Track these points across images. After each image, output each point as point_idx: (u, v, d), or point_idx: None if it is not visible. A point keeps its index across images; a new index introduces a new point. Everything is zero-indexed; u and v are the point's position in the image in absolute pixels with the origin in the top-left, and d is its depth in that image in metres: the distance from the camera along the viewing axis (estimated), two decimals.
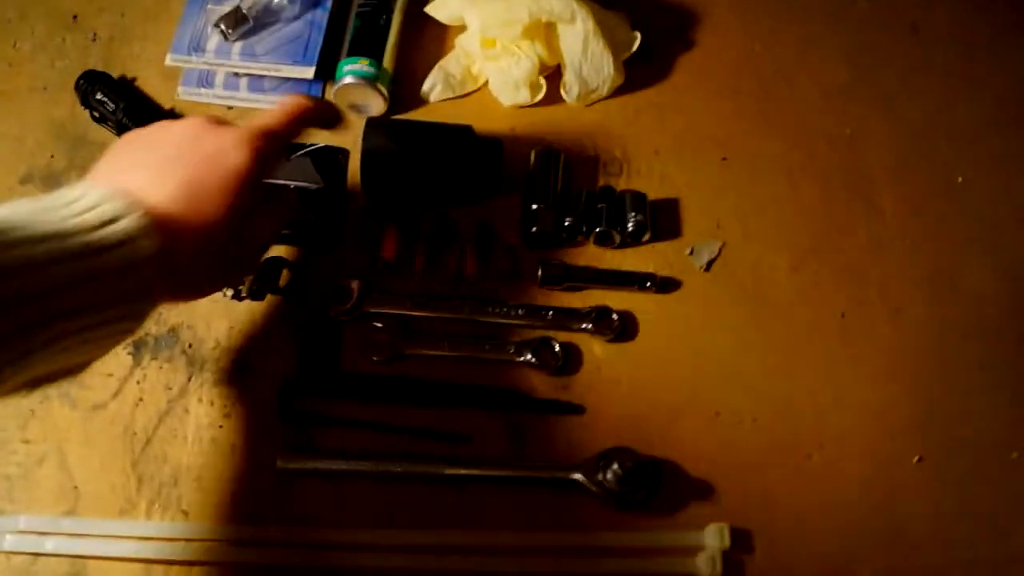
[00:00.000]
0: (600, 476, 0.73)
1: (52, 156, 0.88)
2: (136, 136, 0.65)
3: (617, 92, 0.92)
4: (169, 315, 0.81)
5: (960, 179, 0.91)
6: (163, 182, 0.59)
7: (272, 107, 0.68)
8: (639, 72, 0.93)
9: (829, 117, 0.93)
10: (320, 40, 0.90)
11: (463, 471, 0.74)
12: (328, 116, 0.71)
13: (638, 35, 0.92)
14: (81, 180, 0.61)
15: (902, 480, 0.77)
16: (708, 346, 0.82)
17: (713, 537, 0.72)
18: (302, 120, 0.68)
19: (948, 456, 0.78)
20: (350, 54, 0.88)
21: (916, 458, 0.78)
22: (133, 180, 0.59)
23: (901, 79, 0.96)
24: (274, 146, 0.65)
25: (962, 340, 0.83)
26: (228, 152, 0.61)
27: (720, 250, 0.86)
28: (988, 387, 0.82)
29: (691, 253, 0.85)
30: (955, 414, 0.80)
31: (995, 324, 0.84)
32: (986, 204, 0.90)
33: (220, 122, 0.65)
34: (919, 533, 0.75)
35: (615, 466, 0.72)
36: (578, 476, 0.73)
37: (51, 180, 0.87)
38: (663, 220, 0.86)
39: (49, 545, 0.72)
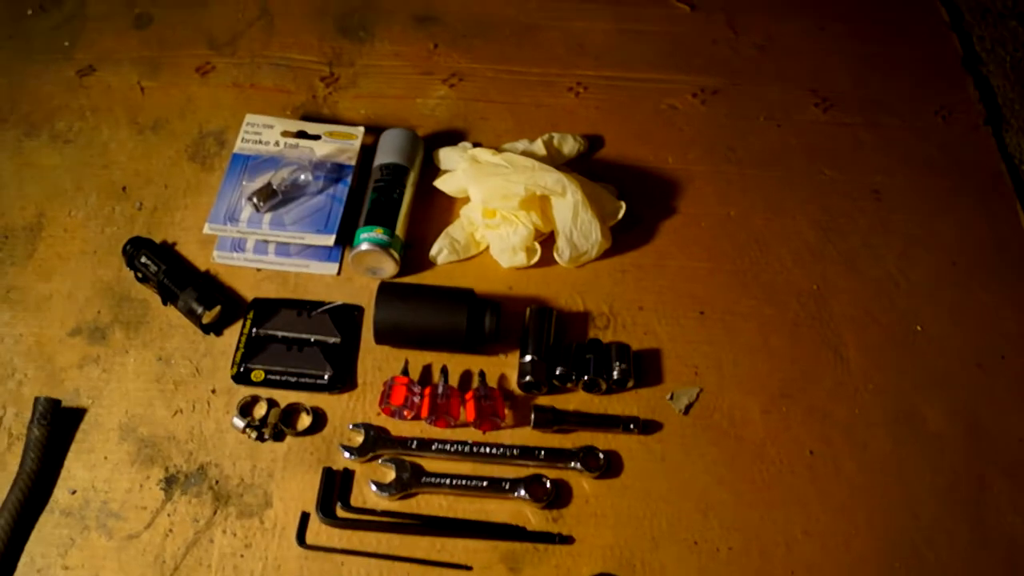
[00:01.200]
0: None
1: (99, 312, 1.06)
2: None
3: (605, 255, 1.11)
4: (198, 454, 0.96)
5: (919, 328, 1.08)
6: None
7: None
8: (625, 237, 1.12)
9: (797, 275, 1.11)
10: (340, 212, 1.09)
11: None
12: None
13: (623, 205, 1.11)
14: None
15: None
16: (687, 481, 0.96)
17: None
18: None
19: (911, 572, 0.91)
20: (367, 223, 1.07)
21: None
22: None
23: (863, 239, 1.15)
24: None
25: (923, 476, 0.98)
26: None
27: (698, 395, 1.01)
28: (948, 518, 0.95)
29: (671, 398, 1.01)
30: (918, 544, 0.93)
31: (953, 462, 0.99)
32: (943, 351, 1.06)
33: None
34: None
35: None
36: None
37: (97, 333, 1.04)
38: (646, 368, 1.03)
39: None
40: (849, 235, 1.15)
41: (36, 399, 0.97)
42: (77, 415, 0.99)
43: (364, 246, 1.05)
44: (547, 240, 1.11)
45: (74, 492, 0.95)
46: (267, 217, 1.08)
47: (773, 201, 1.17)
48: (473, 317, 1.00)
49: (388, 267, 1.07)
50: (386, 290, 1.02)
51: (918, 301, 1.10)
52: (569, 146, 1.17)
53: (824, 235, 1.15)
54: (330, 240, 1.07)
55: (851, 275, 1.12)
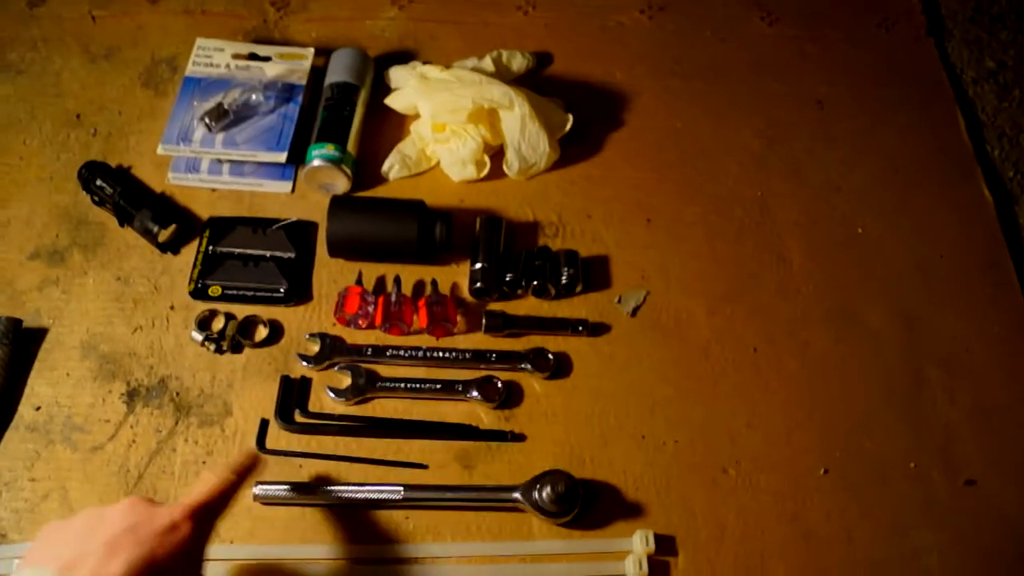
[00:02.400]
0: (536, 497, 0.87)
1: (57, 235, 1.05)
2: (64, 525, 0.68)
3: (554, 167, 1.10)
4: (158, 367, 0.96)
5: (860, 230, 1.08)
6: (109, 563, 0.63)
7: (204, 482, 0.75)
8: (573, 149, 1.12)
9: (742, 183, 1.11)
10: (292, 130, 1.08)
11: (418, 495, 0.88)
12: (255, 471, 0.79)
13: (570, 117, 1.10)
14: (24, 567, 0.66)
15: (810, 490, 0.92)
16: (634, 380, 0.97)
17: (639, 542, 0.86)
18: (230, 492, 0.75)
19: (851, 468, 0.93)
20: (318, 140, 1.06)
21: (822, 470, 0.93)
22: (78, 565, 0.63)
23: (807, 148, 1.15)
24: (211, 517, 0.73)
25: (862, 371, 0.99)
26: (179, 527, 0.68)
27: (645, 298, 1.02)
28: (886, 410, 0.97)
29: (619, 301, 1.02)
30: (857, 432, 0.95)
31: (891, 356, 1.00)
32: (883, 252, 1.07)
33: (152, 502, 0.70)
34: (827, 535, 0.89)
35: (548, 489, 0.86)
36: (517, 496, 0.87)
37: (55, 256, 1.03)
38: (594, 274, 1.03)
39: None
40: (793, 144, 1.15)
41: None
42: (39, 335, 0.99)
43: (316, 162, 1.04)
44: (496, 154, 1.10)
45: (38, 408, 0.94)
46: (220, 137, 1.07)
47: (719, 113, 1.17)
48: (424, 227, 0.99)
49: (340, 183, 1.06)
50: (338, 203, 1.01)
51: (859, 206, 1.10)
52: (518, 63, 1.16)
53: (768, 145, 1.15)
54: (282, 157, 1.06)
55: (795, 182, 1.12)
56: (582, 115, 1.12)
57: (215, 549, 0.86)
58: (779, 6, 1.27)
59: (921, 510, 0.91)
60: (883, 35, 1.26)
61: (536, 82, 1.17)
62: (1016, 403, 0.98)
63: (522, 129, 1.06)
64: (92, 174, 1.06)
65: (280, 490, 0.88)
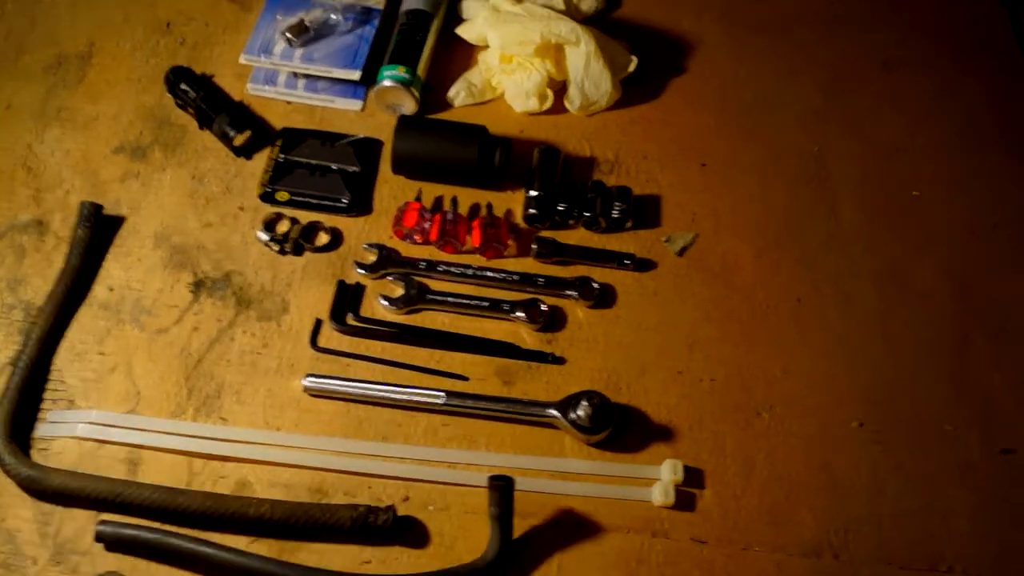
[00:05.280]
0: (572, 413, 0.84)
1: (140, 133, 1.04)
2: None
3: (614, 106, 1.06)
4: (225, 262, 0.95)
5: (916, 193, 1.02)
6: None
7: None
8: (635, 91, 1.08)
9: (801, 136, 1.06)
10: (367, 50, 1.05)
11: (458, 402, 0.86)
12: None
13: (635, 59, 1.06)
14: None
15: (842, 440, 0.88)
16: (676, 317, 0.93)
17: (668, 470, 0.83)
18: None
19: (886, 423, 0.89)
20: (390, 62, 1.03)
21: (856, 423, 0.88)
22: None
23: (869, 108, 1.09)
24: None
25: (905, 330, 0.94)
26: None
27: (693, 240, 0.98)
28: (928, 371, 0.92)
29: (667, 241, 0.98)
30: (896, 390, 0.90)
31: (938, 318, 0.95)
32: (938, 215, 1.02)
33: None
34: (854, 484, 0.85)
35: (585, 404, 0.83)
36: (553, 412, 0.85)
37: (138, 151, 1.03)
38: (645, 212, 0.99)
39: (113, 435, 0.85)
40: (855, 103, 1.10)
41: (82, 203, 0.96)
42: (117, 222, 0.99)
43: (387, 82, 1.02)
44: (559, 90, 1.06)
45: (111, 289, 0.94)
46: (298, 52, 1.05)
47: (783, 66, 1.12)
48: (484, 151, 0.97)
49: (408, 104, 1.04)
50: (405, 122, 0.99)
51: (918, 168, 1.05)
52: (587, 3, 1.12)
53: (830, 101, 1.09)
54: (356, 75, 1.04)
55: (854, 140, 1.06)
56: (646, 58, 1.08)
57: (261, 434, 0.85)
58: None
59: (954, 472, 0.86)
60: (956, 2, 1.18)
61: (604, 23, 1.13)
62: None
63: (586, 66, 1.03)
64: (177, 78, 1.05)
65: (328, 383, 0.87)
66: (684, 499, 0.83)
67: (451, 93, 1.06)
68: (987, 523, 0.84)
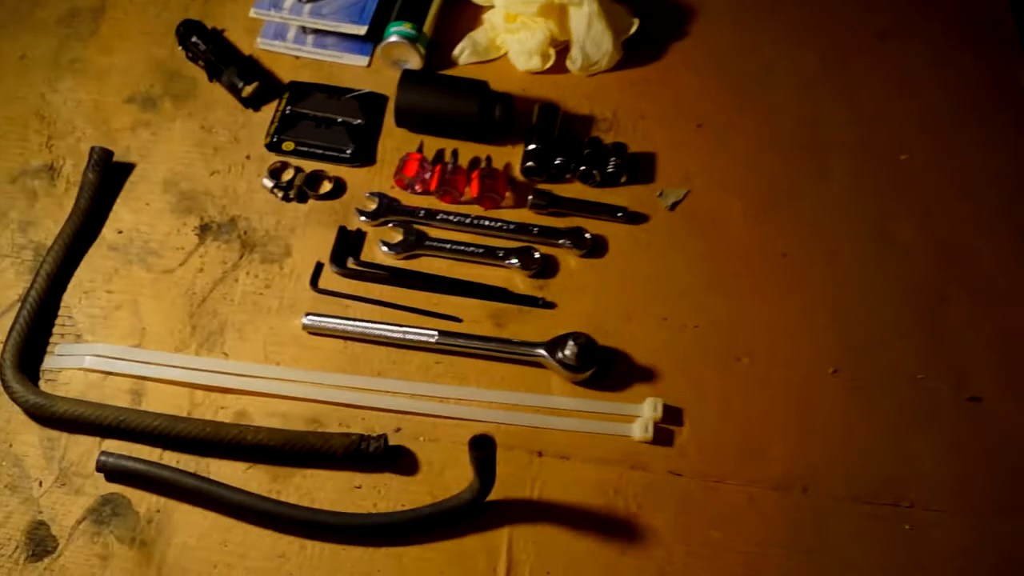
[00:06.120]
0: (559, 353, 0.91)
1: (152, 84, 1.12)
2: None
3: (615, 67, 1.13)
4: (231, 208, 1.03)
5: (904, 157, 1.09)
6: None
7: None
8: (636, 53, 1.14)
9: (796, 100, 1.12)
10: (374, 6, 1.12)
11: (450, 340, 0.93)
12: None
13: (636, 21, 1.12)
14: None
15: (816, 385, 0.94)
16: (664, 268, 1.00)
17: (648, 407, 0.90)
18: None
19: (860, 371, 0.95)
20: (397, 18, 1.10)
21: (832, 370, 0.95)
22: None
23: (865, 75, 1.15)
24: None
25: (886, 285, 1.00)
26: None
27: (685, 195, 1.04)
28: (905, 324, 0.98)
29: (660, 195, 1.04)
30: (872, 340, 0.96)
31: (918, 276, 1.01)
32: (926, 179, 1.07)
33: None
34: (828, 428, 0.92)
35: (571, 343, 0.90)
36: (541, 351, 0.92)
37: (148, 102, 1.10)
38: (640, 168, 1.06)
39: (118, 367, 0.93)
40: (852, 70, 1.15)
41: (92, 148, 1.03)
42: (127, 169, 1.06)
43: (393, 38, 1.09)
44: (562, 50, 1.13)
45: (120, 232, 1.02)
46: (307, 7, 1.12)
47: (782, 33, 1.18)
48: (485, 105, 1.03)
49: (414, 61, 1.11)
50: (409, 76, 1.06)
51: (909, 135, 1.10)
52: None
53: (827, 67, 1.15)
54: (362, 30, 1.10)
55: (848, 106, 1.12)
56: (648, 21, 1.14)
57: (261, 368, 0.93)
58: None
59: (922, 418, 0.92)
60: None
61: None
62: None
63: (588, 27, 1.09)
64: (188, 31, 1.12)
65: (327, 322, 0.94)
66: (663, 435, 0.90)
67: (456, 51, 1.13)
68: (950, 465, 0.90)
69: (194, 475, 0.86)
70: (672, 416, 0.91)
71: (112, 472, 0.86)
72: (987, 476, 0.90)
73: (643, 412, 0.90)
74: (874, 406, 0.93)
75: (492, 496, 0.84)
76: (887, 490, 0.89)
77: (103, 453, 0.87)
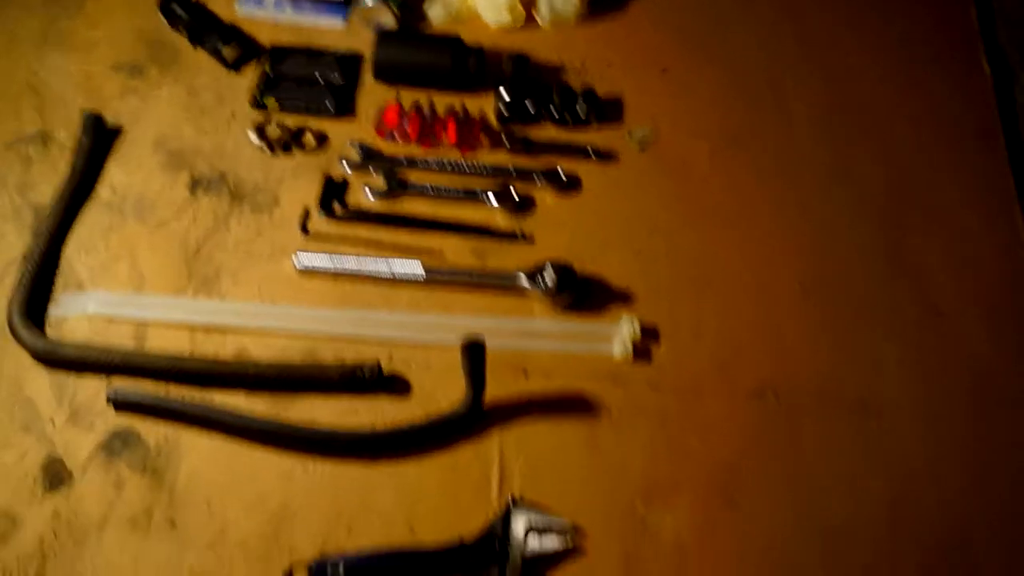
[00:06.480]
0: (540, 279, 0.98)
1: (137, 54, 1.18)
2: None
3: (583, 21, 1.20)
4: (219, 163, 1.09)
5: (860, 93, 1.16)
6: None
7: None
8: (601, 7, 1.21)
9: (757, 49, 1.20)
10: None
11: (436, 274, 1.00)
12: None
13: None
14: None
15: (785, 302, 1.01)
16: (636, 203, 1.07)
17: (626, 327, 0.96)
18: None
19: (826, 289, 1.02)
20: None
21: (798, 286, 1.02)
22: None
23: (819, 17, 1.23)
24: None
25: (848, 209, 1.07)
26: None
27: (653, 135, 1.12)
28: (867, 245, 1.05)
29: (629, 134, 1.11)
30: (837, 261, 1.04)
31: (878, 201, 1.08)
32: (882, 112, 1.15)
33: None
34: (797, 341, 0.98)
35: (551, 269, 0.97)
36: (523, 279, 0.99)
37: (135, 70, 1.16)
38: (609, 112, 1.13)
39: (120, 312, 0.98)
40: (808, 20, 1.23)
41: (84, 114, 1.09)
42: (117, 133, 1.12)
43: (368, 1, 1.15)
44: (529, 4, 1.20)
45: (114, 191, 1.07)
46: None
47: None
48: (458, 56, 1.10)
49: (388, 21, 1.17)
50: (385, 33, 1.13)
51: (865, 74, 1.18)
52: None
53: (786, 17, 1.23)
54: None
55: (804, 49, 1.20)
56: None
57: (257, 307, 0.99)
58: None
59: (886, 330, 0.99)
60: None
61: None
62: (988, 251, 1.05)
63: None
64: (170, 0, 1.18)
65: (318, 261, 1.00)
66: (641, 353, 0.96)
67: (429, 12, 1.19)
68: (912, 372, 0.97)
69: (199, 404, 0.92)
70: (649, 335, 0.98)
71: (121, 403, 0.92)
72: (948, 380, 0.97)
73: (621, 332, 0.97)
74: (839, 319, 1.00)
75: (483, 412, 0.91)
76: (855, 395, 0.95)
77: (111, 387, 0.92)
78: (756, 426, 0.94)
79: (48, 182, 1.08)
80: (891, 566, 0.87)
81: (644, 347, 0.97)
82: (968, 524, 0.89)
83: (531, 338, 0.97)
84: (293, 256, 1.01)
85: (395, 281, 1.00)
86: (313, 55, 1.16)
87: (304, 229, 1.03)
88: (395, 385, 0.94)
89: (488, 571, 0.85)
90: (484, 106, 1.13)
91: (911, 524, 0.89)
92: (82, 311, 0.99)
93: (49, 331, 0.98)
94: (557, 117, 1.10)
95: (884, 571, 0.87)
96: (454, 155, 1.09)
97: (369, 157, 1.08)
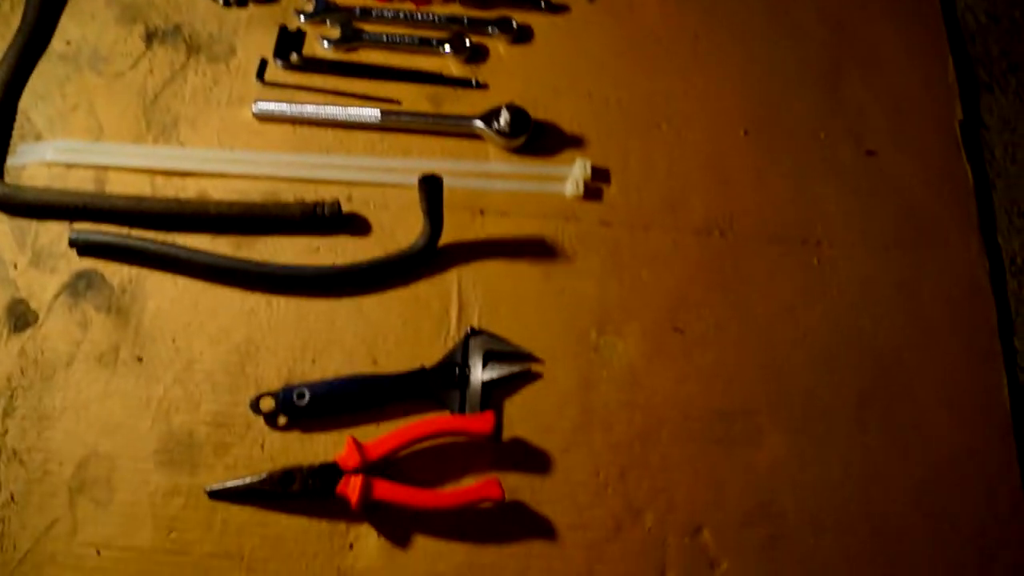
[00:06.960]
0: (494, 121, 1.02)
1: None
2: None
3: None
4: (173, 15, 1.10)
5: None
6: None
7: None
8: None
9: None
10: None
11: (393, 119, 1.03)
12: None
13: None
14: None
15: (730, 144, 1.06)
16: (587, 51, 1.10)
17: (578, 167, 1.01)
18: None
19: (768, 132, 1.07)
20: None
21: (743, 131, 1.07)
22: None
23: None
24: None
25: (789, 56, 1.11)
26: None
27: None
28: (806, 91, 1.09)
29: None
30: (779, 106, 1.08)
31: (815, 49, 1.12)
32: None
33: None
34: (741, 181, 1.03)
35: (505, 112, 1.01)
36: (478, 122, 1.02)
37: None
38: None
39: (80, 159, 1.01)
40: None
41: None
42: None
43: None
44: None
45: (68, 43, 1.08)
46: None
47: None
48: None
49: None
50: None
51: None
52: None
53: None
54: None
55: None
56: None
57: (216, 152, 1.02)
58: None
59: (825, 170, 1.05)
60: None
61: None
62: (920, 91, 1.10)
63: None
64: None
65: (276, 107, 1.03)
66: (593, 193, 1.01)
67: None
68: (850, 208, 1.03)
69: (163, 244, 0.95)
70: (600, 176, 1.02)
71: (84, 246, 0.95)
72: (883, 216, 1.03)
73: (574, 172, 1.01)
74: (781, 161, 1.05)
75: (441, 245, 0.95)
76: (796, 230, 1.01)
77: (73, 229, 0.95)
78: (702, 260, 1.00)
79: (1, 37, 1.08)
80: (832, 388, 0.94)
81: (596, 187, 1.02)
82: (901, 347, 0.96)
83: (487, 179, 1.01)
84: (252, 104, 1.03)
85: (352, 126, 1.03)
86: None
87: (261, 77, 1.05)
88: (355, 224, 0.98)
89: (448, 395, 0.90)
90: None
91: (849, 349, 0.96)
92: (40, 159, 1.01)
93: (7, 179, 1.00)
94: None
95: (825, 394, 0.94)
96: (408, 6, 1.11)
97: (324, 8, 1.10)
